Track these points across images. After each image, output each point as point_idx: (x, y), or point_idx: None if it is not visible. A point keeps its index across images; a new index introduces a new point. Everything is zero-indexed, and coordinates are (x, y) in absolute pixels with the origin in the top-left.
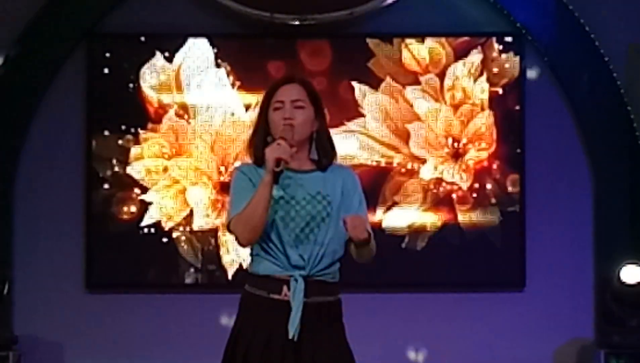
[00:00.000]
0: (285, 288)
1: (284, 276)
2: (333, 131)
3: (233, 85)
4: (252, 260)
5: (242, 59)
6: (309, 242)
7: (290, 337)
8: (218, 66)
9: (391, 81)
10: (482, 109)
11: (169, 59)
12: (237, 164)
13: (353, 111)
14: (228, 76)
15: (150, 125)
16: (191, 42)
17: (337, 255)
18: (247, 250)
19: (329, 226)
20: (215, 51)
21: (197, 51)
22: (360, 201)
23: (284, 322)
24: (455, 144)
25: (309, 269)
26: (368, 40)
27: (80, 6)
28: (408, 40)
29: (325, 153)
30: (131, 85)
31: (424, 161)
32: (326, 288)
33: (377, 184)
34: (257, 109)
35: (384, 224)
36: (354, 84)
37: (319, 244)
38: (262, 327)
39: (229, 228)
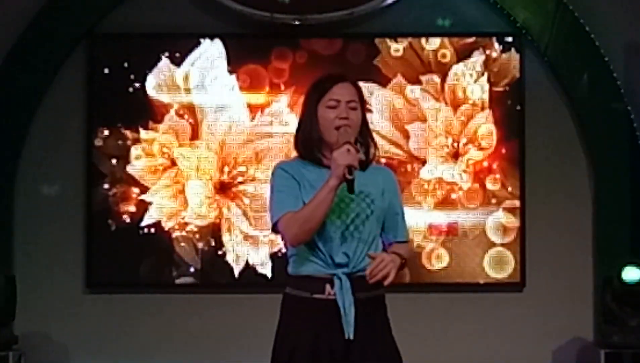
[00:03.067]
0: (328, 286)
1: (325, 275)
2: None
3: (233, 85)
4: (291, 261)
5: (242, 59)
6: (353, 240)
7: (346, 335)
8: (218, 65)
9: (392, 80)
10: (483, 109)
11: (169, 59)
12: (276, 161)
13: None
14: (228, 75)
15: (150, 125)
16: (191, 42)
17: (378, 249)
18: (245, 249)
19: (372, 224)
20: (216, 50)
21: (197, 51)
22: (397, 211)
23: (330, 322)
24: (455, 144)
25: (352, 266)
26: (368, 40)
27: (80, 6)
28: (410, 40)
29: (367, 153)
30: (131, 85)
31: (424, 161)
32: (369, 283)
33: None
34: (303, 104)
35: None
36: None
37: (363, 241)
38: (307, 328)
39: (275, 225)
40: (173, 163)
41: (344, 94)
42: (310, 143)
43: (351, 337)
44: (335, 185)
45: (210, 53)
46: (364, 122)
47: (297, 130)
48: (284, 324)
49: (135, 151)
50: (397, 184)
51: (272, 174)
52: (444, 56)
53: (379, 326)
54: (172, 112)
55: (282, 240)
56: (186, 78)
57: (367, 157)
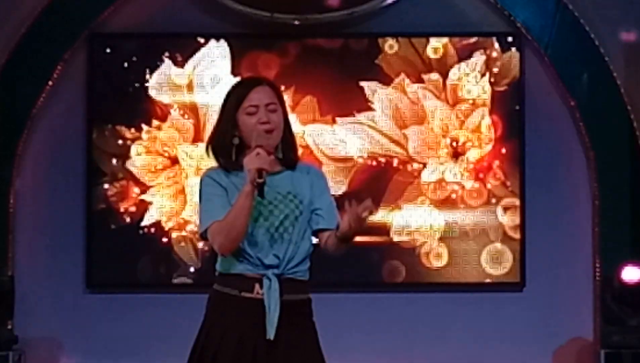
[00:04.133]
0: (257, 286)
1: (255, 275)
2: (332, 128)
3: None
4: (221, 259)
5: (242, 59)
6: (282, 241)
7: (268, 336)
8: (219, 65)
9: (394, 80)
10: (483, 109)
11: (169, 59)
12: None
13: (353, 109)
14: (229, 75)
15: (150, 125)
16: (192, 41)
17: (307, 253)
18: None
19: (302, 225)
20: (216, 50)
21: (197, 51)
22: (331, 201)
23: (256, 321)
24: (455, 143)
25: (282, 268)
26: (368, 39)
27: (80, 6)
28: (412, 40)
29: (292, 153)
30: (131, 85)
31: (424, 161)
32: (297, 286)
33: (378, 185)
34: (220, 111)
35: (384, 224)
36: (361, 83)
37: (292, 243)
38: (233, 326)
39: (203, 235)
40: (173, 162)
41: (262, 98)
42: (228, 149)
43: (271, 338)
44: (250, 190)
45: (211, 53)
46: (286, 123)
47: (212, 138)
48: (209, 321)
49: (135, 150)
50: (325, 181)
51: (200, 182)
52: (444, 55)
53: (304, 329)
54: (172, 112)
55: (214, 247)
56: (186, 78)
57: (294, 155)
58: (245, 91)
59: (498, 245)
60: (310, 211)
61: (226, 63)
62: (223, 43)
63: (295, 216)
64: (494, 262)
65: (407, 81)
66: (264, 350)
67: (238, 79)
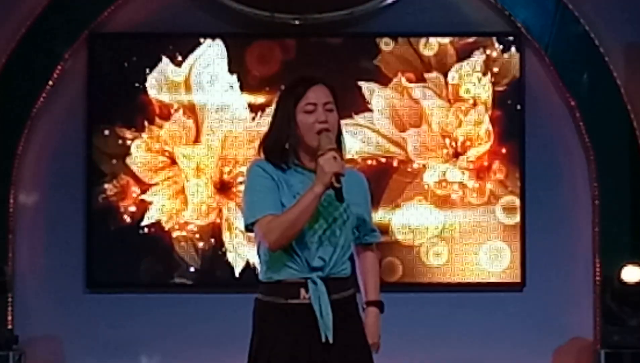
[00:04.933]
0: (302, 291)
1: (299, 280)
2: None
3: (234, 84)
4: (264, 267)
5: (242, 59)
6: (330, 244)
7: (324, 339)
8: (219, 65)
9: (394, 80)
10: (483, 108)
11: (169, 59)
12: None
13: (354, 110)
14: (229, 75)
15: (150, 125)
16: (192, 41)
17: (349, 253)
18: (245, 248)
19: (348, 229)
20: (216, 50)
21: (198, 51)
22: (370, 214)
23: (306, 326)
24: (455, 143)
25: (327, 270)
26: (369, 39)
27: (80, 6)
28: (411, 40)
29: (344, 156)
30: (131, 85)
31: (424, 161)
32: (341, 283)
33: (378, 184)
34: (275, 109)
35: (384, 224)
36: (360, 83)
37: (339, 246)
38: (283, 333)
39: (250, 226)
40: (173, 162)
41: (320, 97)
42: (282, 146)
43: (330, 340)
44: (321, 192)
45: (211, 53)
46: (339, 124)
47: (268, 135)
48: (259, 332)
49: (135, 150)
50: (368, 191)
51: (248, 171)
52: (444, 55)
53: (354, 327)
54: (173, 112)
55: (258, 241)
56: (186, 78)
57: (344, 159)
58: (303, 89)
59: (498, 245)
60: (356, 218)
61: (225, 63)
62: (223, 43)
63: (343, 220)
64: (494, 262)
65: (406, 81)
66: (319, 353)
67: (236, 77)
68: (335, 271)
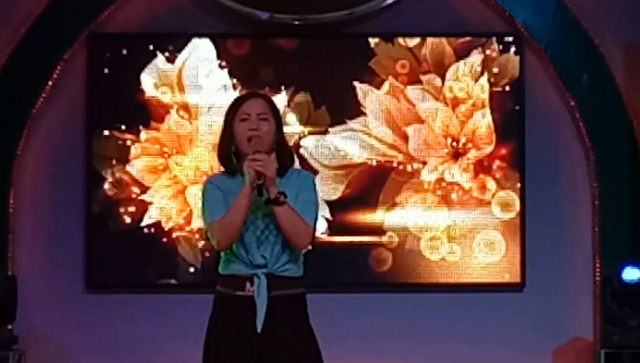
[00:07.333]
0: (248, 284)
1: (247, 274)
2: (334, 130)
3: (234, 85)
4: (220, 262)
5: (242, 59)
6: (269, 243)
7: (258, 330)
8: (219, 65)
9: (392, 80)
10: (482, 109)
11: (170, 59)
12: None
13: (354, 111)
14: (229, 75)
15: (150, 125)
16: (192, 41)
17: (295, 252)
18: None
19: None
20: (216, 50)
21: (198, 51)
22: (309, 199)
23: (250, 316)
24: (455, 144)
25: (270, 267)
26: (369, 39)
27: (80, 6)
28: (409, 40)
29: (284, 161)
30: (131, 85)
31: (424, 161)
32: (287, 282)
33: (377, 185)
34: (224, 119)
35: (384, 225)
36: (355, 83)
37: (278, 243)
38: (231, 322)
39: (206, 233)
40: (173, 162)
41: (254, 108)
42: (228, 155)
43: (258, 331)
44: (249, 191)
45: (211, 53)
46: (280, 132)
47: (218, 145)
48: (211, 320)
49: (135, 151)
50: (311, 184)
51: (202, 188)
52: (443, 55)
53: (296, 322)
54: (172, 112)
55: (213, 244)
56: (186, 78)
57: (285, 163)
58: (241, 101)
59: (498, 245)
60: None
61: (225, 63)
62: (223, 43)
63: None
64: (494, 262)
65: (406, 81)
66: (258, 342)
67: (236, 78)
68: (277, 269)
